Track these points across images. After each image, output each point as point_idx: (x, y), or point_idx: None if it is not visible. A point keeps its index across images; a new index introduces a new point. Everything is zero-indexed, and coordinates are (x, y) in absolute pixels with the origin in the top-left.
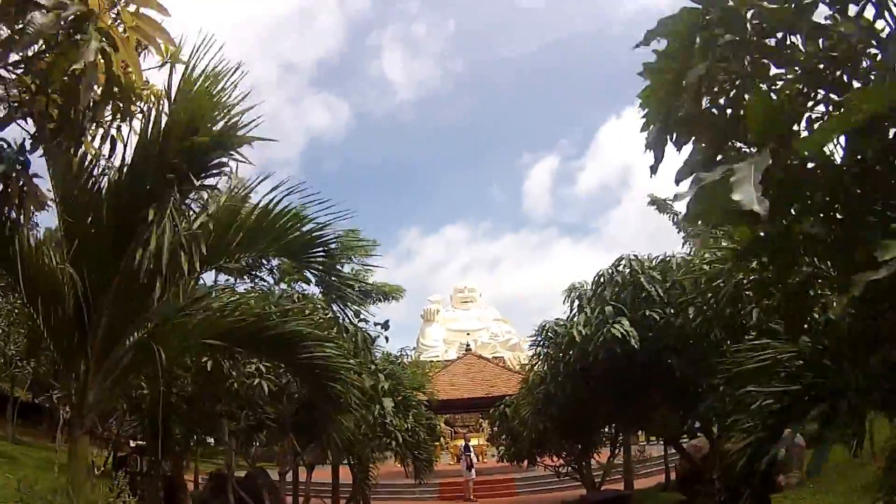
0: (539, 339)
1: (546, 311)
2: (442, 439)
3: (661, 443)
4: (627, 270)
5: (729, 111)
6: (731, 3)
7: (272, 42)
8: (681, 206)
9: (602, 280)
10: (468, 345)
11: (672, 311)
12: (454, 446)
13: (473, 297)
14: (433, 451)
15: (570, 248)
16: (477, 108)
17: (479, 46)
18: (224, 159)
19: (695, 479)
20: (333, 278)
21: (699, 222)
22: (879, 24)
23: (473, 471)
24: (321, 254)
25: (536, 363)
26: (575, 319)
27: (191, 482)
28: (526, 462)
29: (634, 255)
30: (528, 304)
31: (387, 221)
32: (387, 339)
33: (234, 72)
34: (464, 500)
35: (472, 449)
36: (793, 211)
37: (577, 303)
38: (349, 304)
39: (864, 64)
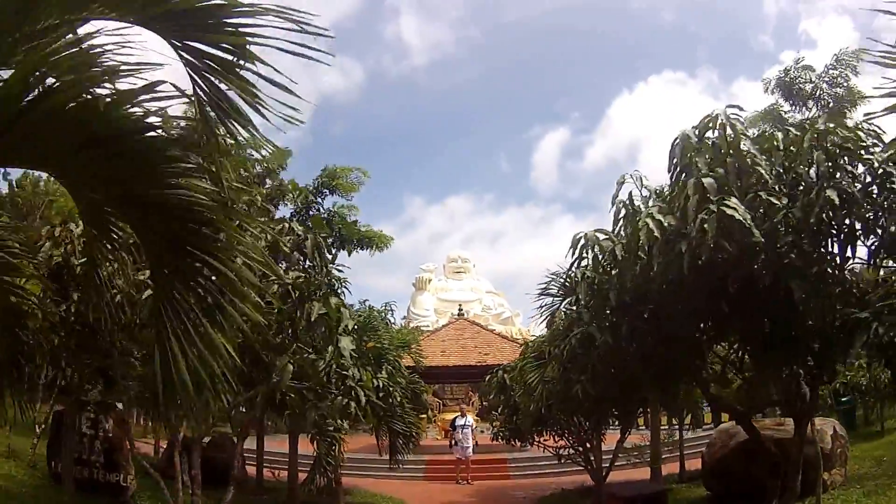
0: (574, 260)
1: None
2: (430, 412)
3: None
4: (725, 132)
5: None
6: None
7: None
8: None
9: (684, 149)
10: (460, 309)
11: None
12: (443, 420)
13: (467, 267)
14: (417, 425)
15: (573, 226)
16: (490, 75)
17: (496, 13)
18: None
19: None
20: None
21: None
22: None
23: (471, 450)
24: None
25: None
26: (647, 210)
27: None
28: (517, 442)
29: (734, 113)
30: (525, 281)
31: (392, 188)
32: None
33: None
34: (456, 482)
35: (471, 424)
36: None
37: (637, 194)
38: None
39: None
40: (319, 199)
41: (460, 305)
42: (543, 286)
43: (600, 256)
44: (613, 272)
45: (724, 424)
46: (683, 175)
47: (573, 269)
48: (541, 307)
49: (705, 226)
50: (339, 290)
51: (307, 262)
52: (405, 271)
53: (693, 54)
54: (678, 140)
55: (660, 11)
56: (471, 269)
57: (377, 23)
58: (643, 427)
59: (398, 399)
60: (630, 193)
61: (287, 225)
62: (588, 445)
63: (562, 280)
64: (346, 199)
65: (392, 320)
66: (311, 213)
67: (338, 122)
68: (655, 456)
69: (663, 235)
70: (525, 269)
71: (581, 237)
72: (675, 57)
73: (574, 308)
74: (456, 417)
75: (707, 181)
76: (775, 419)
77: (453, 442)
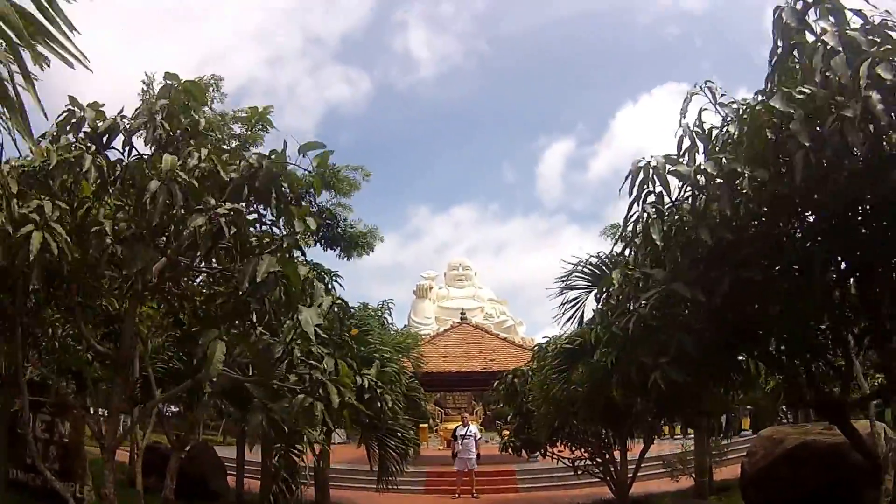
0: (632, 199)
1: (547, 301)
2: (431, 420)
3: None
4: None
5: None
6: None
7: (299, 13)
8: None
9: (784, 29)
10: (463, 313)
11: None
12: (445, 429)
13: (468, 274)
14: (414, 438)
15: (578, 237)
16: (496, 87)
17: (504, 25)
18: None
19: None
20: None
21: None
22: None
23: (475, 461)
24: None
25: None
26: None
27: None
28: (527, 453)
29: None
30: (529, 292)
31: (398, 198)
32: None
33: None
34: (457, 497)
35: (474, 434)
36: None
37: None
38: None
39: None
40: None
41: (463, 311)
42: (564, 278)
43: (677, 187)
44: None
45: (766, 431)
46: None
47: (632, 211)
48: (563, 304)
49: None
50: (329, 284)
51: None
52: (409, 282)
53: (696, 66)
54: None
55: (665, 25)
56: (472, 276)
57: (386, 35)
58: (666, 436)
59: (389, 404)
60: (700, 114)
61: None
62: (607, 456)
63: (591, 267)
64: (344, 199)
65: (390, 320)
66: (300, 204)
67: (344, 132)
68: (700, 468)
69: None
70: (529, 279)
71: (642, 165)
72: (679, 69)
73: (616, 288)
74: (457, 427)
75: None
76: (819, 423)
77: (454, 453)
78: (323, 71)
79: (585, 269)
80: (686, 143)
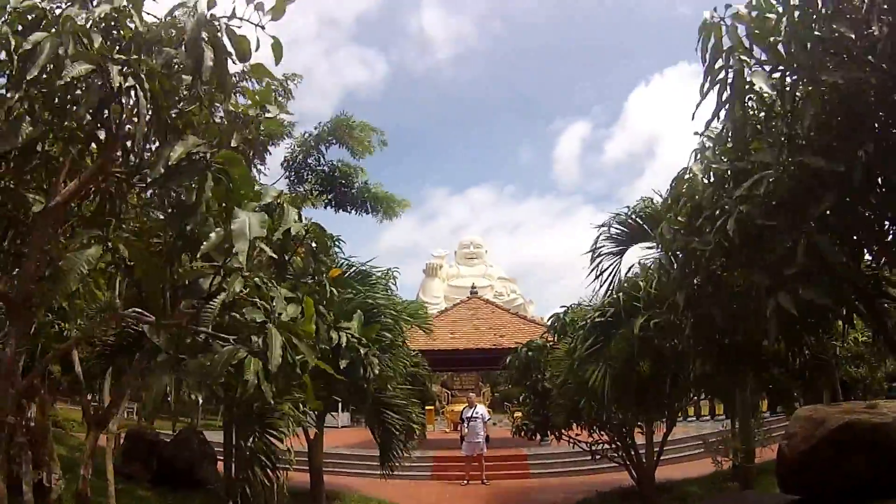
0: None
1: (559, 280)
2: (437, 403)
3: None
4: None
5: None
6: None
7: None
8: None
9: None
10: (473, 287)
11: None
12: (451, 412)
13: (479, 252)
14: (412, 418)
15: (593, 216)
16: (513, 69)
17: (518, 5)
18: None
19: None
20: None
21: None
22: None
23: (484, 445)
24: None
25: None
26: None
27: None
28: (539, 436)
29: None
30: (542, 272)
31: (416, 180)
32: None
33: None
34: (466, 483)
35: (481, 415)
36: None
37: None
38: None
39: None
40: (322, 148)
41: (473, 284)
42: (604, 228)
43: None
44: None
45: (803, 410)
46: None
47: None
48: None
49: None
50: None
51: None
52: (425, 263)
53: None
54: None
55: (677, 6)
56: (483, 254)
57: (401, 16)
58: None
59: (376, 370)
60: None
61: None
62: (628, 440)
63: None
64: (356, 160)
65: (394, 289)
66: (308, 163)
67: (361, 115)
68: (749, 453)
69: None
70: (543, 260)
71: (714, 21)
72: (691, 49)
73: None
74: (464, 409)
75: None
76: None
77: (462, 437)
78: (339, 53)
79: (616, 230)
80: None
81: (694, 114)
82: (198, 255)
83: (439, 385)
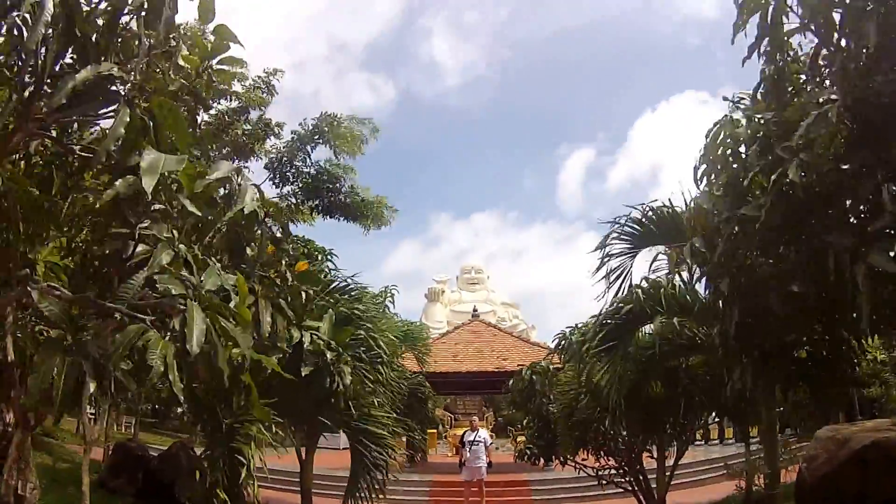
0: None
1: (561, 308)
2: (440, 427)
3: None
4: None
5: None
6: None
7: (324, 20)
8: None
9: None
10: (475, 310)
11: None
12: (454, 435)
13: (481, 278)
14: (392, 443)
15: (595, 243)
16: (520, 95)
17: (527, 33)
18: None
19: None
20: None
21: None
22: None
23: (485, 469)
24: None
25: None
26: None
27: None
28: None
29: None
30: (544, 299)
31: (420, 205)
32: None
33: None
34: None
35: (484, 440)
36: None
37: None
38: None
39: None
40: (308, 148)
41: (475, 307)
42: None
43: None
44: None
45: (824, 431)
46: None
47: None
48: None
49: None
50: (320, 261)
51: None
52: (427, 288)
53: (715, 74)
54: None
55: (686, 37)
56: (485, 280)
57: (411, 44)
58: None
59: (346, 380)
60: None
61: None
62: (637, 466)
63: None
64: (346, 160)
65: (392, 309)
66: (294, 164)
67: (367, 138)
68: (775, 477)
69: None
70: (545, 286)
71: None
72: (698, 77)
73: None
74: (465, 432)
75: None
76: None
77: (462, 461)
78: (347, 78)
79: (628, 229)
80: None
81: (733, 39)
82: (97, 206)
83: (442, 409)
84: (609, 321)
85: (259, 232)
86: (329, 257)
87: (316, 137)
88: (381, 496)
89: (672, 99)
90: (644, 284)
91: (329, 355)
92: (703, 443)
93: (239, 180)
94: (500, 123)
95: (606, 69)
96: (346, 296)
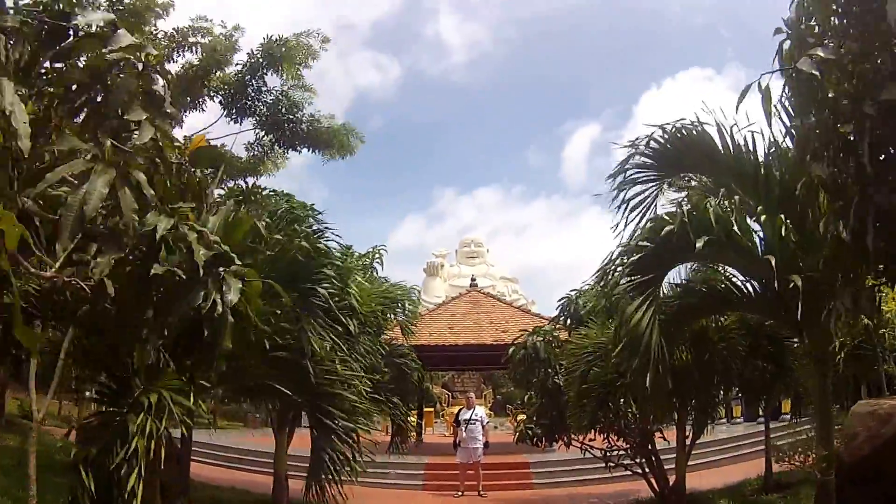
0: None
1: (564, 284)
2: (438, 404)
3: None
4: None
5: None
6: None
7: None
8: None
9: None
10: (473, 279)
11: None
12: (451, 414)
13: (480, 252)
14: (367, 417)
15: (600, 218)
16: (526, 73)
17: (533, 10)
18: None
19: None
20: None
21: None
22: None
23: (482, 450)
24: None
25: None
26: None
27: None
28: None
29: None
30: (546, 275)
31: (425, 180)
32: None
33: None
34: (460, 495)
35: (480, 418)
36: None
37: None
38: None
39: None
40: (256, 82)
41: (473, 276)
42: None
43: None
44: None
45: (862, 405)
46: None
47: None
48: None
49: None
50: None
51: None
52: (426, 262)
53: (722, 52)
54: None
55: (693, 15)
56: (484, 253)
57: (417, 23)
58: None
59: (227, 297)
60: None
61: None
62: (650, 446)
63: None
64: (294, 80)
65: (378, 271)
66: (248, 94)
67: (373, 117)
68: (829, 459)
69: None
70: (548, 262)
71: None
72: (704, 55)
73: None
74: (461, 410)
75: None
76: None
77: (457, 442)
78: (353, 57)
79: (655, 147)
80: None
81: None
82: None
83: (440, 386)
84: (647, 244)
85: None
86: (313, 214)
87: (265, 64)
88: (354, 479)
89: (678, 76)
90: (686, 207)
91: (201, 253)
92: (710, 422)
93: None
94: (505, 100)
95: (612, 46)
96: (316, 235)
